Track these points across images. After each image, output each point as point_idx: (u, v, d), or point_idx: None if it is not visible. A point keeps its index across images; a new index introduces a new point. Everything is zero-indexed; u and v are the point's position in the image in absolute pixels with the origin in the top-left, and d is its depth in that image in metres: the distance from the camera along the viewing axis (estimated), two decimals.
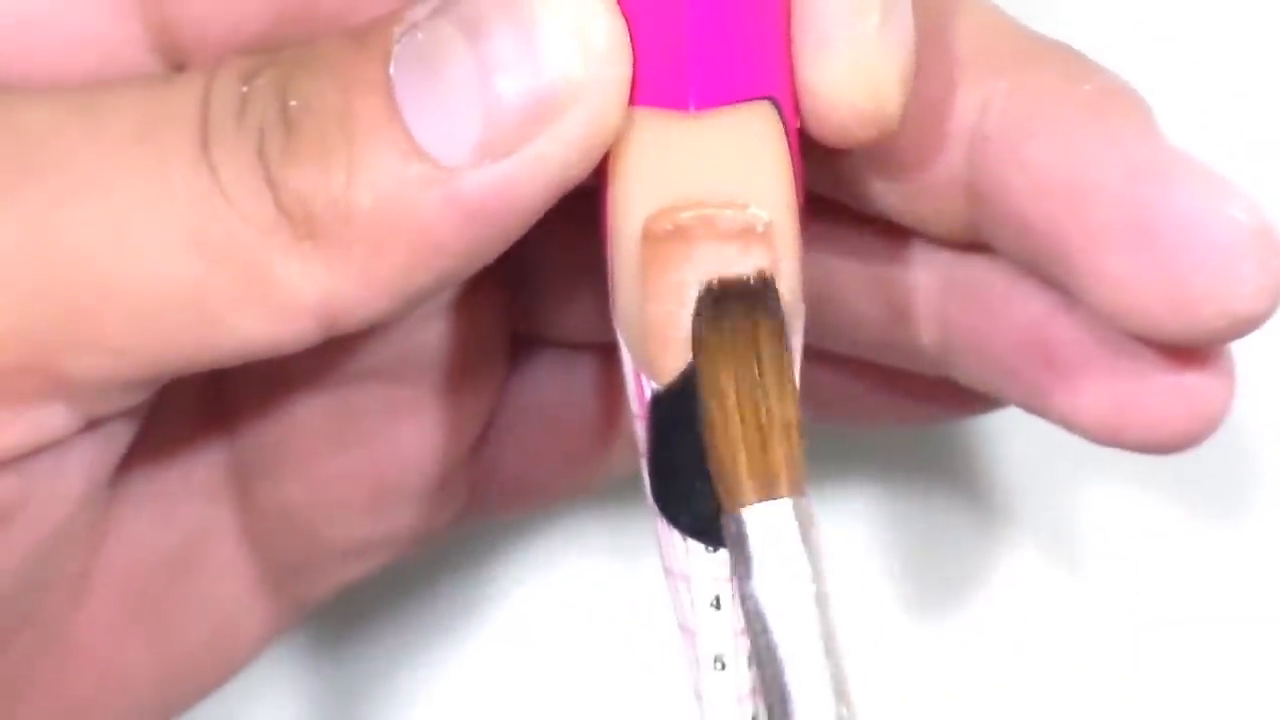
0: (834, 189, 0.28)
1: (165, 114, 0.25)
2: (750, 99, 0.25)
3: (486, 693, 0.38)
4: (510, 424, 0.33)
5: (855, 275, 0.29)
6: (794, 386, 0.25)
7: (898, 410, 0.32)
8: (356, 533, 0.32)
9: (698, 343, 0.25)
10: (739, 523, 0.24)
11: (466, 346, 0.31)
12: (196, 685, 0.32)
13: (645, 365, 0.25)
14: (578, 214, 0.27)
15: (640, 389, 0.26)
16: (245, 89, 0.25)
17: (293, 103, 0.25)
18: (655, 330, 0.25)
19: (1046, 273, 0.27)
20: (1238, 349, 0.27)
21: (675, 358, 0.25)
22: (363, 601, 0.34)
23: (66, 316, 0.25)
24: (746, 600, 0.24)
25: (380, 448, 0.31)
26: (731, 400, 0.25)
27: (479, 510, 0.33)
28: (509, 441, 0.33)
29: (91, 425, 0.27)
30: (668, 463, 0.26)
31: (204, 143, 0.25)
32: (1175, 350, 0.27)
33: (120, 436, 0.28)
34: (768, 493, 0.24)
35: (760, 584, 0.24)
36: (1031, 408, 0.28)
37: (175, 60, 0.28)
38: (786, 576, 0.24)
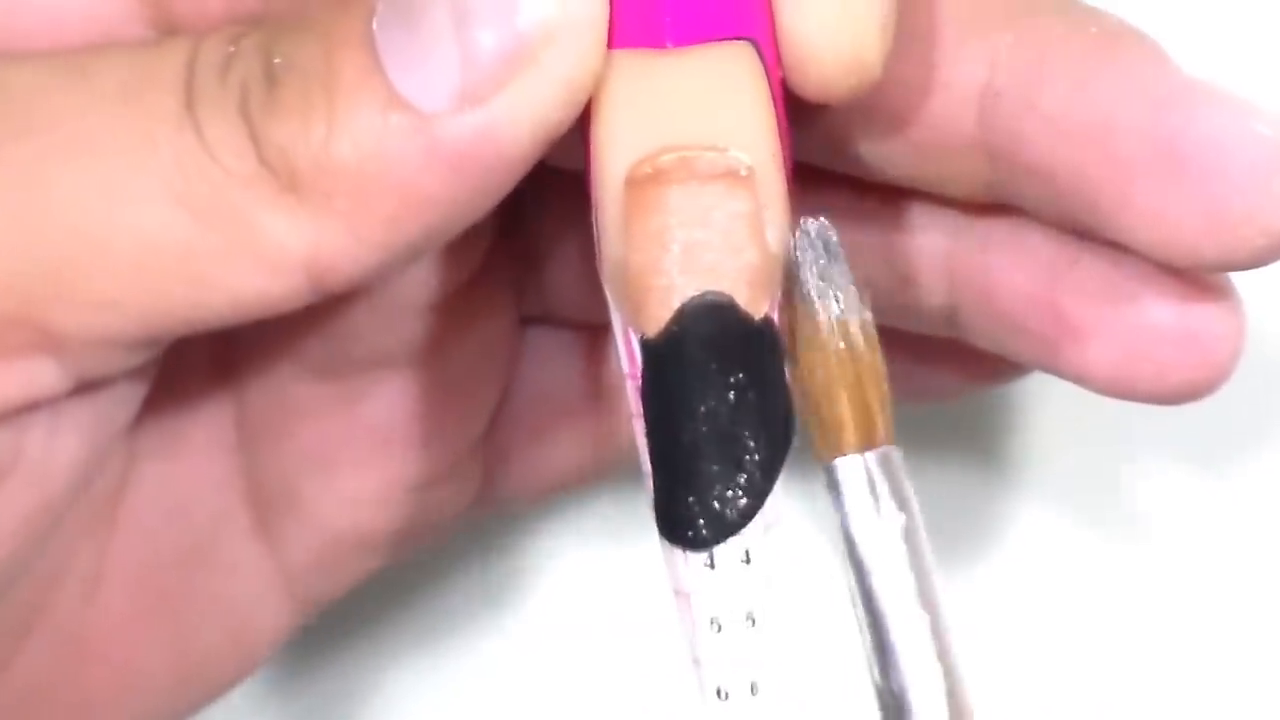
0: (851, 162, 0.28)
1: (151, 74, 0.26)
2: (728, 39, 0.25)
3: (494, 688, 0.38)
4: (522, 406, 0.33)
5: (860, 243, 0.29)
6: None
7: (915, 382, 0.32)
8: (369, 524, 0.31)
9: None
10: (844, 469, 0.25)
11: (476, 330, 0.31)
12: (212, 683, 0.32)
13: (632, 316, 0.25)
14: (582, 189, 0.27)
15: (630, 346, 0.25)
16: (232, 49, 0.26)
17: (277, 60, 0.25)
18: (640, 277, 0.25)
19: (1074, 219, 0.27)
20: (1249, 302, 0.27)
21: (661, 305, 0.25)
22: (363, 598, 0.34)
23: (53, 270, 0.25)
24: (852, 547, 0.25)
25: (389, 434, 0.31)
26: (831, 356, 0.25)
27: (492, 497, 0.33)
28: (521, 424, 0.33)
29: (88, 388, 0.27)
30: (661, 418, 0.25)
31: (189, 101, 0.25)
32: (1183, 300, 0.27)
33: (120, 406, 0.28)
34: (867, 442, 0.25)
35: (861, 532, 0.25)
36: (1042, 364, 0.28)
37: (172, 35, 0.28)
38: (885, 525, 0.25)
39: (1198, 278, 0.27)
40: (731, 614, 0.25)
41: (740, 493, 0.25)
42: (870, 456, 0.25)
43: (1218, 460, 0.37)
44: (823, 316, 0.25)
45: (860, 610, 0.25)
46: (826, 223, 0.26)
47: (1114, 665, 0.37)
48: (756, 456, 0.25)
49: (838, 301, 0.25)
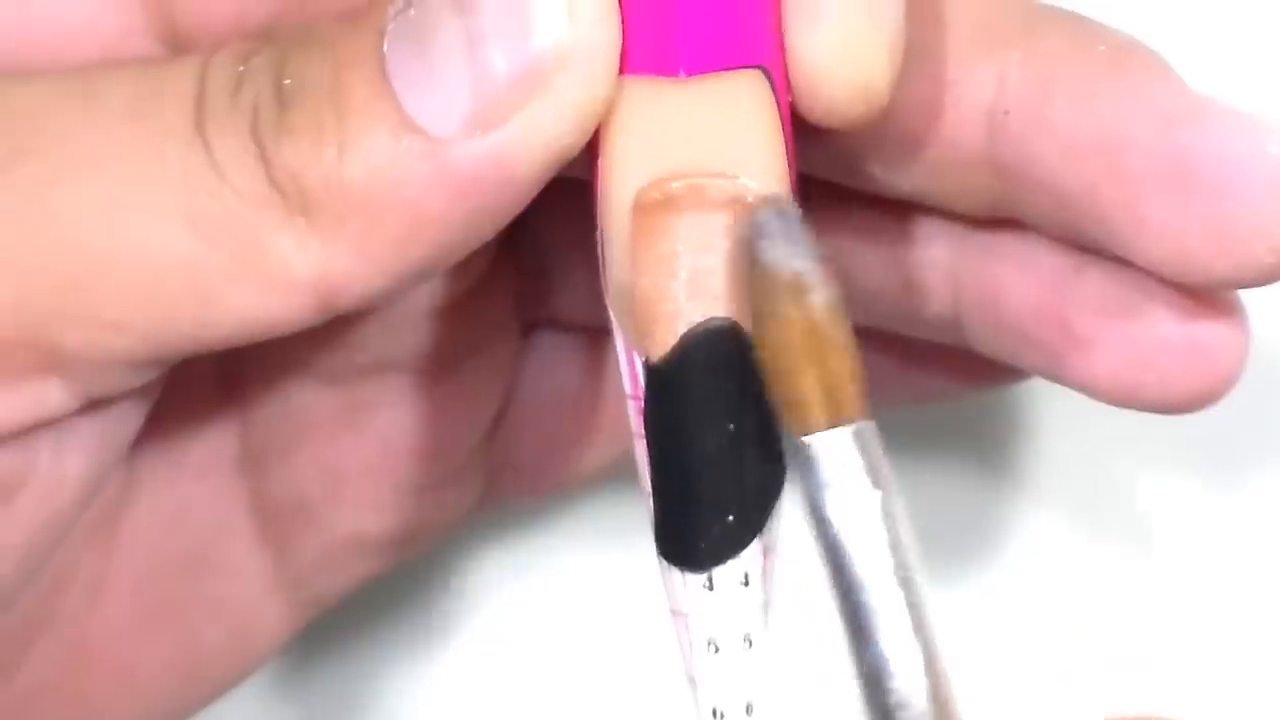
0: (859, 178, 0.28)
1: (161, 92, 0.26)
2: (741, 67, 0.25)
3: (492, 690, 0.38)
4: (525, 409, 0.33)
5: (867, 253, 0.29)
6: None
7: (919, 384, 0.32)
8: (372, 526, 0.32)
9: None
10: (813, 447, 0.24)
11: (480, 335, 0.31)
12: (213, 685, 0.32)
13: (637, 340, 0.25)
14: (585, 196, 0.27)
15: (633, 368, 0.26)
16: (241, 68, 0.26)
17: (287, 81, 0.25)
18: (646, 303, 0.25)
19: (1083, 236, 0.27)
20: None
21: (666, 330, 0.25)
22: (361, 599, 0.34)
23: (61, 290, 0.25)
24: (824, 527, 0.24)
25: (394, 439, 0.31)
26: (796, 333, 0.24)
27: (496, 499, 0.33)
28: (525, 427, 0.33)
29: (94, 406, 0.27)
30: (664, 442, 0.25)
31: (198, 120, 0.25)
32: (1187, 310, 0.27)
33: (126, 422, 0.28)
34: (836, 417, 0.24)
35: (835, 511, 0.24)
36: (1047, 372, 0.29)
37: (179, 50, 0.28)
38: (860, 502, 0.24)
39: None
40: (729, 635, 0.25)
41: (740, 515, 0.25)
42: (841, 433, 0.24)
43: (1222, 468, 0.37)
44: (783, 288, 0.24)
45: (831, 589, 0.24)
46: (785, 198, 0.25)
47: (1119, 673, 0.37)
48: (757, 480, 0.25)
49: (800, 274, 0.24)
